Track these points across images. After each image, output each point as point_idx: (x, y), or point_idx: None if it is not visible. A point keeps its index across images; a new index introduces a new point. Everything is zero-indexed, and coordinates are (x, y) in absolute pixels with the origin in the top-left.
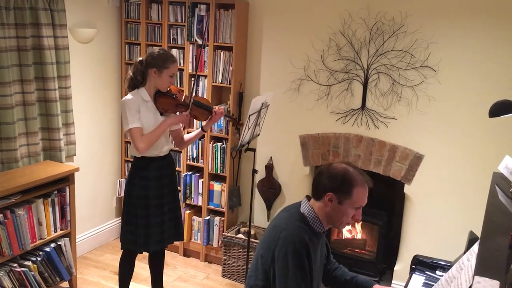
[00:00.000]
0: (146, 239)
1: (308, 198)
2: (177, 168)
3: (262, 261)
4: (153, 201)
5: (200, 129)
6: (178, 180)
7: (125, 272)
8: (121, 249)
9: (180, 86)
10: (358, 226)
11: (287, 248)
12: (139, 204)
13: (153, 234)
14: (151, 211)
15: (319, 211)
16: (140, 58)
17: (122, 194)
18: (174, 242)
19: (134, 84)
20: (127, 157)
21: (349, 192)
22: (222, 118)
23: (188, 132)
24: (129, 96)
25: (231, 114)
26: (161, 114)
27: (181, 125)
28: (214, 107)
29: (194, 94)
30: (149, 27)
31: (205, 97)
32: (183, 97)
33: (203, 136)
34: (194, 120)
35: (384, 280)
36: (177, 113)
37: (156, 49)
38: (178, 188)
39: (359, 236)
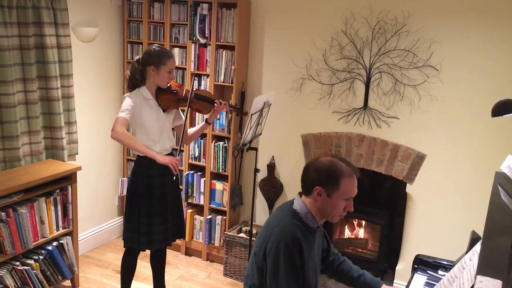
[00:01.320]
0: (149, 237)
1: (300, 194)
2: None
3: (255, 259)
4: (156, 199)
5: (204, 122)
6: (180, 179)
7: (127, 271)
8: (124, 247)
9: (182, 84)
10: (359, 226)
11: (278, 244)
12: (142, 202)
13: (156, 232)
14: (153, 209)
15: (311, 206)
16: (137, 57)
17: (124, 193)
18: (176, 241)
19: (134, 83)
20: (129, 156)
21: (336, 183)
22: (224, 113)
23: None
24: (131, 93)
25: (234, 105)
26: (164, 110)
27: (183, 119)
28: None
29: (195, 87)
30: (151, 26)
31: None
32: (184, 91)
33: (205, 135)
34: (197, 114)
35: (386, 279)
36: (180, 108)
37: (152, 47)
38: (180, 187)
39: (361, 235)
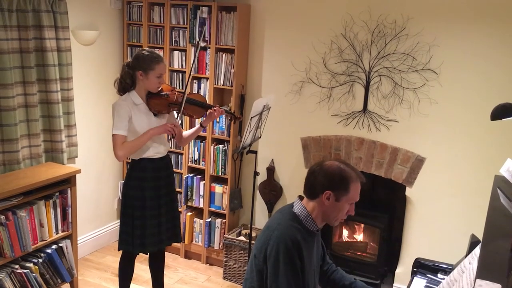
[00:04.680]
0: (143, 240)
1: (300, 198)
2: (178, 170)
3: (255, 261)
4: (150, 202)
5: (199, 125)
6: (180, 182)
7: (125, 274)
8: (118, 250)
9: (182, 89)
10: (358, 229)
11: (278, 247)
12: (135, 205)
13: (150, 235)
14: (147, 212)
15: (313, 209)
16: (127, 61)
17: None
18: (176, 244)
19: (124, 87)
20: (128, 159)
21: (346, 188)
22: (224, 117)
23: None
24: (119, 101)
25: (228, 109)
26: (155, 115)
27: (178, 120)
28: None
29: (188, 91)
30: (151, 29)
31: (206, 99)
32: (176, 95)
33: (204, 139)
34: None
35: (385, 283)
36: (175, 113)
37: (142, 51)
38: (179, 190)
39: (360, 238)
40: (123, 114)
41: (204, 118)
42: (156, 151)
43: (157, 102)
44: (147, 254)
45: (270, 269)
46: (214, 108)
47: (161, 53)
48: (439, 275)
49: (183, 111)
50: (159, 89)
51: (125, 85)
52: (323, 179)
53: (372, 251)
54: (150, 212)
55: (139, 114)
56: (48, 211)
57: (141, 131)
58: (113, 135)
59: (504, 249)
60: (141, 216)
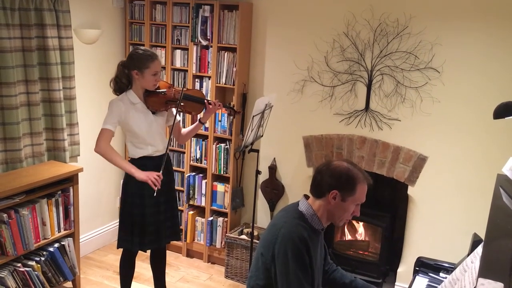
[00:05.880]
0: (142, 238)
1: (306, 197)
2: (180, 169)
3: (262, 259)
4: (149, 200)
5: (198, 121)
6: (182, 180)
7: (126, 272)
8: (117, 247)
9: (184, 87)
10: (361, 227)
11: (286, 245)
12: (135, 203)
13: (148, 233)
14: (146, 210)
15: (319, 208)
16: (122, 60)
17: None
18: (177, 243)
19: (120, 87)
20: (128, 157)
21: (353, 189)
22: (226, 116)
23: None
24: (116, 99)
25: (227, 104)
26: (153, 113)
27: (178, 118)
28: (210, 100)
29: (185, 87)
30: (153, 28)
31: (208, 98)
32: (173, 92)
33: (206, 137)
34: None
35: (387, 282)
36: (174, 110)
37: (135, 50)
38: (181, 188)
39: (362, 237)
40: (115, 111)
41: (203, 114)
42: (155, 149)
43: (155, 100)
44: (146, 252)
45: (280, 268)
46: (214, 102)
47: (163, 52)
48: (441, 274)
49: (181, 108)
50: (156, 87)
51: (121, 84)
52: (330, 179)
53: (374, 250)
54: (149, 210)
55: (137, 113)
56: (51, 209)
57: (138, 130)
58: (101, 129)
59: (506, 248)
60: (140, 214)
